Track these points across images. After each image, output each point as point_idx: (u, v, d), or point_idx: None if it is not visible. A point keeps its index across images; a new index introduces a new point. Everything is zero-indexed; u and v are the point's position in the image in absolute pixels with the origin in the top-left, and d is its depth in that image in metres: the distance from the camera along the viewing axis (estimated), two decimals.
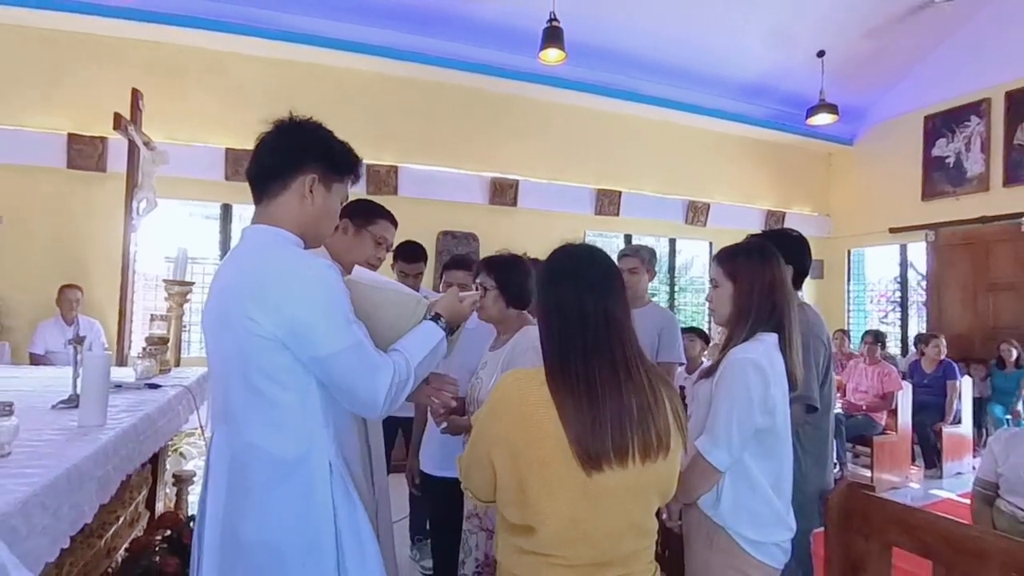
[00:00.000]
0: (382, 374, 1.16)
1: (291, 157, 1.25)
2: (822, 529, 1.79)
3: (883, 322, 7.88)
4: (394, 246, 3.23)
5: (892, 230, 7.33)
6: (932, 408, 5.38)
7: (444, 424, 1.96)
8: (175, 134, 4.95)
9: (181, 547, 2.03)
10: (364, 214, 1.79)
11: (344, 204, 1.41)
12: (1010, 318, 6.30)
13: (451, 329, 1.41)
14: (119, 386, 2.14)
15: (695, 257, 7.80)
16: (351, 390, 1.17)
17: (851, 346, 6.75)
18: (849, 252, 8.08)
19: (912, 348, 6.81)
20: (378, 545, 1.23)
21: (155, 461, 2.44)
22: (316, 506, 1.16)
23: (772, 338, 1.56)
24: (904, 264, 7.59)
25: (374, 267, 1.79)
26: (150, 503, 2.46)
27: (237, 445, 1.19)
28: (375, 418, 1.24)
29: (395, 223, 1.90)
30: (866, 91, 7.31)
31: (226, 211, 5.46)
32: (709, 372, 1.62)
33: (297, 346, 1.14)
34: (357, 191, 1.46)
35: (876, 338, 5.43)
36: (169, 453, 2.90)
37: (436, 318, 1.35)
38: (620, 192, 6.70)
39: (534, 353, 1.17)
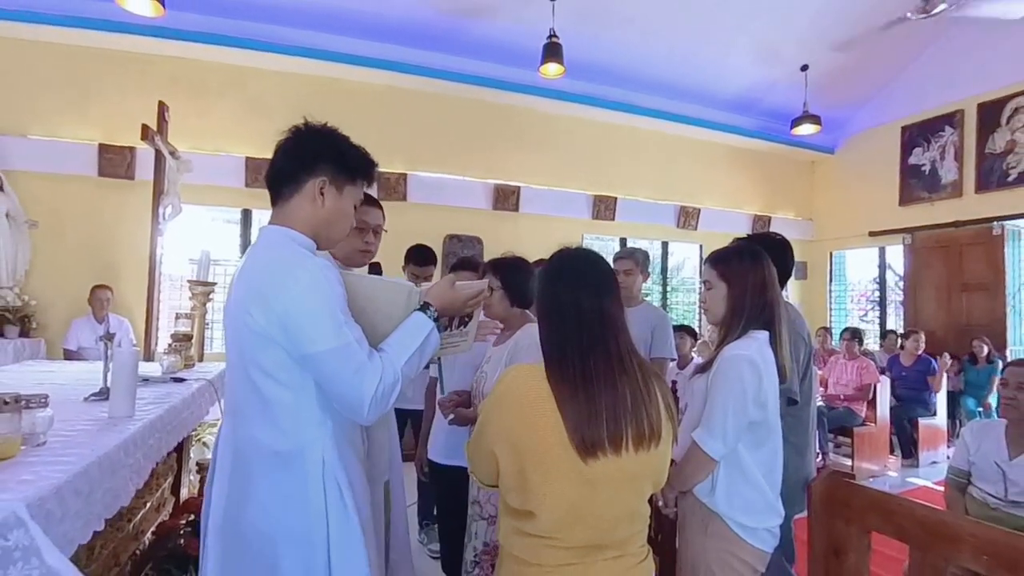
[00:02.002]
0: (369, 379, 1.10)
1: (303, 161, 1.21)
2: (804, 515, 1.79)
3: (863, 320, 7.87)
4: (406, 249, 3.25)
5: (871, 233, 7.33)
6: (910, 400, 5.37)
7: (451, 415, 1.97)
8: (198, 144, 4.96)
9: None
10: None
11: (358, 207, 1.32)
12: (982, 316, 6.29)
13: (450, 318, 1.33)
14: (146, 380, 2.14)
15: (686, 259, 7.79)
16: (337, 391, 1.12)
17: (833, 343, 6.73)
18: (831, 254, 8.06)
19: (880, 343, 6.85)
20: (365, 542, 1.17)
21: (180, 450, 2.45)
22: (308, 500, 1.13)
23: (764, 335, 1.56)
24: (883, 265, 7.58)
25: (364, 254, 1.64)
26: (175, 489, 2.47)
27: (240, 437, 1.18)
28: (363, 422, 1.16)
29: (376, 204, 1.67)
30: (847, 103, 7.30)
31: (246, 216, 5.46)
32: (704, 368, 1.61)
33: (288, 342, 1.10)
34: None
35: (854, 335, 5.41)
36: (193, 443, 2.91)
37: (425, 307, 1.26)
38: (616, 198, 6.69)
39: (535, 349, 1.16)
